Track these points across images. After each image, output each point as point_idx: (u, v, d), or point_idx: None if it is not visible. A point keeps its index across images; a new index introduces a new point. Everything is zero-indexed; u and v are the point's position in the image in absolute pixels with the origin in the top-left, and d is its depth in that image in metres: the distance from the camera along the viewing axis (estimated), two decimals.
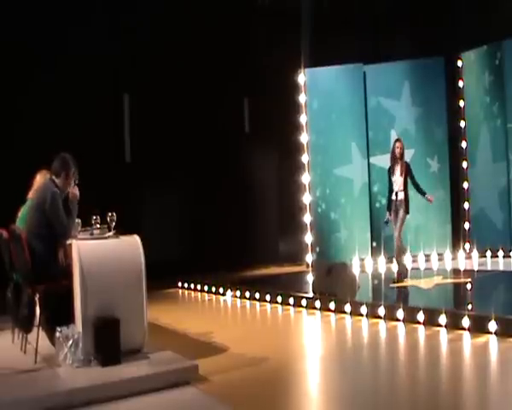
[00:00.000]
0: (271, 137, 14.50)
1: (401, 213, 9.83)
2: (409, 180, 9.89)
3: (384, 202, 12.61)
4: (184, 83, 13.49)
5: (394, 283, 9.74)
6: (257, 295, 10.12)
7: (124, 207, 8.27)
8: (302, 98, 12.96)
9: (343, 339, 7.49)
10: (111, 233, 6.44)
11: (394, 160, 9.92)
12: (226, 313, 9.88)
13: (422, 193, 10.00)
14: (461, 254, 12.56)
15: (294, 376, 6.13)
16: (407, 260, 10.47)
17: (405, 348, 6.88)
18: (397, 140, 10.12)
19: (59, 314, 6.25)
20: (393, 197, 9.90)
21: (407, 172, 9.86)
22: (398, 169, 9.88)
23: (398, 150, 9.86)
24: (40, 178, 7.42)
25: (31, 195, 7.45)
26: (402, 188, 9.84)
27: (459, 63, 13.10)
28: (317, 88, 12.92)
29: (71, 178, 6.64)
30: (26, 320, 6.55)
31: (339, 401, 5.24)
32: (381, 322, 7.80)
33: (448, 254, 12.42)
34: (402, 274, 9.89)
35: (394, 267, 10.38)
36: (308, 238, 12.76)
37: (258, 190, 14.70)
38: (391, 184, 9.96)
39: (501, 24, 12.68)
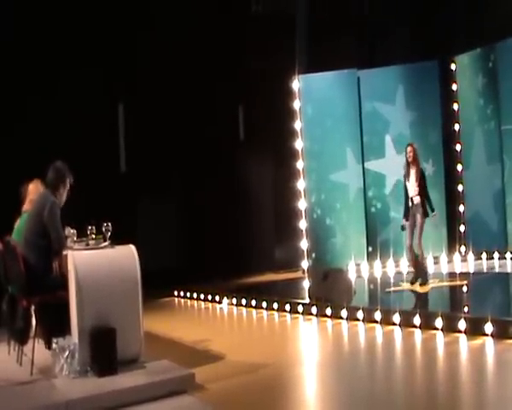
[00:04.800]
0: (266, 144, 14.50)
1: (418, 217, 9.65)
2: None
3: (379, 206, 12.72)
4: (178, 91, 13.49)
5: (421, 285, 9.69)
6: (253, 303, 10.12)
7: (119, 216, 8.25)
8: (296, 105, 12.95)
9: (340, 344, 7.50)
10: (106, 243, 6.45)
11: (408, 165, 9.79)
12: (223, 321, 9.88)
13: (431, 208, 9.76)
14: (456, 256, 12.57)
15: (292, 382, 6.13)
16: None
17: (402, 352, 6.89)
18: (408, 145, 9.93)
19: (55, 326, 6.25)
20: (410, 203, 9.75)
21: (421, 179, 9.71)
22: (412, 174, 9.71)
23: (408, 155, 9.72)
24: (33, 188, 7.38)
25: (27, 207, 7.39)
26: (417, 193, 9.67)
27: (453, 66, 13.11)
28: (312, 94, 12.91)
29: (67, 186, 6.66)
30: (22, 332, 6.55)
31: (337, 406, 5.25)
32: (378, 326, 7.81)
33: (444, 257, 12.42)
34: (423, 277, 9.83)
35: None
36: (304, 244, 12.74)
37: (253, 196, 14.70)
38: (406, 190, 9.83)
39: (494, 26, 12.72)
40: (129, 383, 5.58)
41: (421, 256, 9.84)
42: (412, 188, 9.74)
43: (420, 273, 9.83)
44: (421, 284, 9.68)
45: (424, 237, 9.87)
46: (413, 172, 9.73)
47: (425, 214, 9.67)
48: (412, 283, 9.85)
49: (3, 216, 7.59)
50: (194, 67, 13.66)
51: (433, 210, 9.70)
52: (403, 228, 10.00)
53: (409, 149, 9.78)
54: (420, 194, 9.68)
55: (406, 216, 9.81)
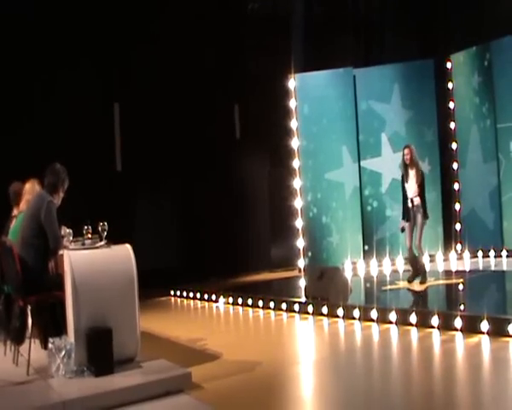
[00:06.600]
0: (262, 142, 14.51)
1: (419, 218, 9.68)
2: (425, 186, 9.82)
3: (376, 205, 12.73)
4: (175, 90, 13.49)
5: (421, 283, 9.73)
6: (249, 302, 10.12)
7: (115, 216, 8.27)
8: (292, 103, 12.95)
9: (336, 343, 7.49)
10: (102, 243, 6.43)
11: (404, 167, 9.80)
12: (219, 320, 9.88)
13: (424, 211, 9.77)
14: (452, 255, 12.59)
15: (288, 381, 6.13)
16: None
17: (398, 351, 6.89)
18: (405, 147, 9.88)
19: (51, 325, 6.24)
20: (409, 204, 9.75)
21: (422, 180, 9.73)
22: (411, 176, 9.73)
23: (405, 157, 9.71)
24: (30, 188, 7.36)
25: (23, 206, 7.37)
26: (417, 194, 9.68)
27: (448, 65, 13.14)
28: (308, 93, 12.92)
29: (64, 189, 6.66)
30: (18, 332, 6.54)
31: (333, 404, 5.24)
32: (374, 325, 7.81)
33: (440, 255, 12.45)
34: (423, 275, 9.86)
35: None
36: (300, 243, 12.75)
37: (249, 195, 14.70)
38: (404, 191, 9.82)
39: (489, 25, 12.77)
40: (125, 383, 5.57)
41: (421, 256, 9.87)
42: (412, 189, 9.74)
43: (419, 271, 9.84)
44: (421, 282, 9.71)
45: None
46: (412, 173, 9.74)
47: (425, 216, 9.71)
48: (410, 281, 9.87)
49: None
50: (191, 66, 13.65)
51: (426, 216, 9.71)
52: (402, 230, 9.99)
53: (406, 151, 9.78)
54: (420, 195, 9.70)
55: (406, 217, 9.81)
